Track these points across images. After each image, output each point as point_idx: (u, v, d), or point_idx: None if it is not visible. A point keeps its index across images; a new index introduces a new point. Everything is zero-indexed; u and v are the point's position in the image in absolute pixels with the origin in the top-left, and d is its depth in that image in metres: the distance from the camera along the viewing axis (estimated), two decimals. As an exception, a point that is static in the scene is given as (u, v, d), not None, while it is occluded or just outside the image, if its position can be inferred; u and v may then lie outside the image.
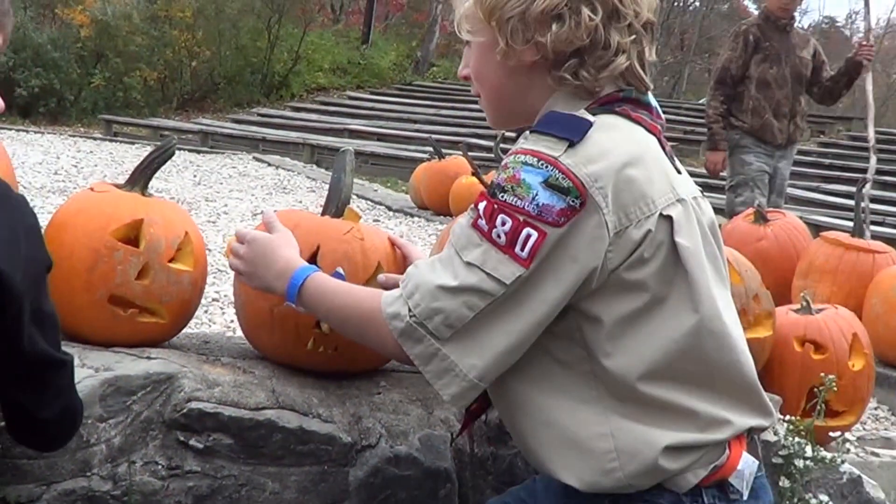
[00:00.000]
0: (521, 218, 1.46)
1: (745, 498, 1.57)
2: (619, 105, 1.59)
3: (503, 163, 1.52)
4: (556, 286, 1.48)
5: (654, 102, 1.65)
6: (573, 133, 1.49)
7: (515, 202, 1.47)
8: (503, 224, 1.47)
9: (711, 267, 1.58)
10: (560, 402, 1.55)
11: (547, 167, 1.46)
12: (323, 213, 2.18)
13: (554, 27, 1.54)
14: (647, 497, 1.53)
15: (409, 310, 1.53)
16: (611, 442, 1.52)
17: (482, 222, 1.50)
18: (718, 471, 1.55)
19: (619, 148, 1.50)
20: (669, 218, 1.51)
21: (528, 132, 1.54)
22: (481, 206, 1.52)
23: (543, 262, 1.47)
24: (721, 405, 1.56)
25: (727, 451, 1.56)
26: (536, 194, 1.45)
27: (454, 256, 1.52)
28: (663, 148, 1.61)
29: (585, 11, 1.53)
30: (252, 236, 1.86)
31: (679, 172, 1.62)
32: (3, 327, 1.36)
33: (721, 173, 6.98)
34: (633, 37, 1.58)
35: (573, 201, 1.45)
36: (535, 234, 1.46)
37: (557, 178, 1.45)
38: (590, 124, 1.50)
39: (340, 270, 1.93)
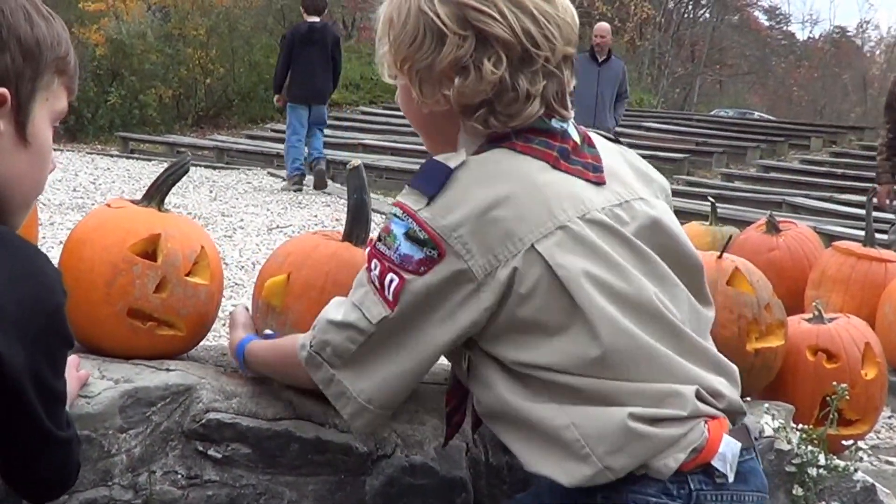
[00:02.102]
0: (387, 264, 1.59)
1: (731, 481, 1.57)
2: (509, 139, 1.62)
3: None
4: (432, 326, 1.59)
5: (556, 126, 1.65)
6: (431, 186, 1.57)
7: (385, 250, 1.59)
8: (375, 268, 1.61)
9: (644, 270, 1.60)
10: (525, 404, 1.59)
11: (408, 220, 1.57)
12: (347, 237, 2.13)
13: (457, 80, 1.59)
14: (634, 489, 1.54)
15: (311, 340, 1.68)
16: (574, 431, 1.55)
17: (367, 265, 1.63)
18: (699, 454, 1.55)
19: (483, 190, 1.55)
20: (539, 253, 1.54)
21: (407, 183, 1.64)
22: (367, 250, 1.68)
23: (411, 305, 1.57)
24: (661, 383, 1.58)
25: (705, 433, 1.56)
26: (399, 245, 1.57)
27: (349, 297, 1.66)
28: (563, 170, 1.61)
29: (487, 65, 1.57)
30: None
31: (600, 184, 1.63)
32: (1, 401, 1.35)
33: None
34: (545, 81, 1.61)
35: (430, 252, 1.54)
36: (396, 280, 1.57)
37: (416, 231, 1.56)
38: (447, 174, 1.57)
39: (269, 332, 2.03)
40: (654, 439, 1.53)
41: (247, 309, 2.20)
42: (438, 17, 1.58)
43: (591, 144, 1.70)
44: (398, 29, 1.63)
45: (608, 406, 1.55)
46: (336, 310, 1.66)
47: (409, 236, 1.56)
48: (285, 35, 11.25)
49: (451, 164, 1.58)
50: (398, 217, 1.59)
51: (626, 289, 1.57)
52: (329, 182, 11.51)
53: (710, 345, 1.71)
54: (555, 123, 1.65)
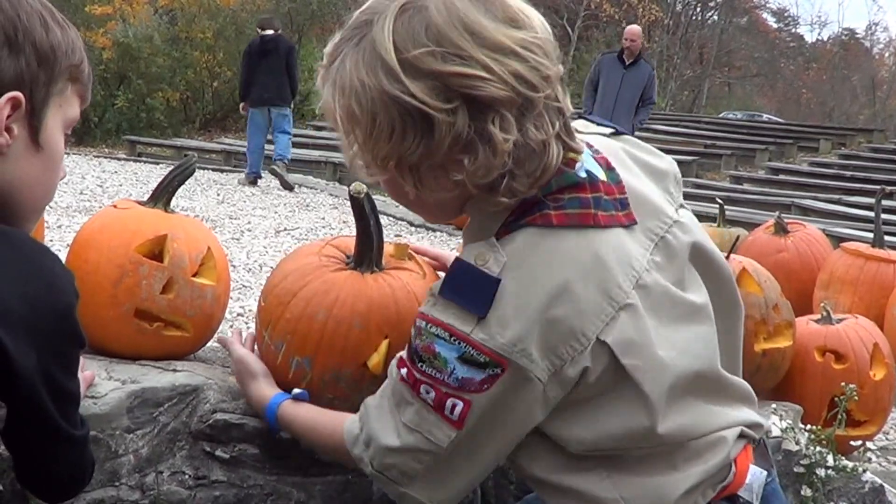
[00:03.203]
0: (444, 389, 1.41)
1: None
2: (540, 209, 1.41)
3: (417, 323, 1.44)
4: (501, 431, 1.45)
5: (581, 175, 1.44)
6: (479, 304, 1.37)
7: (435, 374, 1.41)
8: (427, 393, 1.43)
9: (692, 320, 1.51)
10: (570, 476, 1.51)
11: (460, 343, 1.38)
12: (359, 262, 1.96)
13: (466, 161, 1.34)
14: None
15: (369, 460, 1.53)
16: None
17: (412, 387, 1.45)
18: (726, 489, 1.52)
19: (536, 293, 1.37)
20: (606, 343, 1.39)
21: (436, 291, 1.43)
22: (403, 371, 1.47)
23: (479, 420, 1.42)
24: (709, 435, 1.52)
25: (733, 468, 1.52)
26: (454, 369, 1.39)
27: (394, 411, 1.49)
28: (604, 225, 1.43)
29: (496, 132, 1.32)
30: (234, 357, 1.97)
31: (632, 224, 1.47)
32: (14, 401, 1.36)
33: None
34: (555, 122, 1.39)
35: (492, 371, 1.37)
36: (460, 404, 1.41)
37: (472, 355, 1.37)
38: (496, 286, 1.37)
39: (298, 391, 1.84)
40: (694, 499, 1.50)
41: (239, 332, 2.06)
42: (414, 97, 1.31)
43: (609, 167, 1.51)
44: (366, 123, 1.36)
45: (659, 474, 1.48)
46: (386, 431, 1.49)
47: (466, 360, 1.38)
48: (243, 52, 12.65)
49: (495, 272, 1.38)
50: (443, 339, 1.39)
51: (682, 362, 1.47)
52: (337, 184, 11.70)
53: (739, 366, 1.67)
54: (579, 171, 1.45)
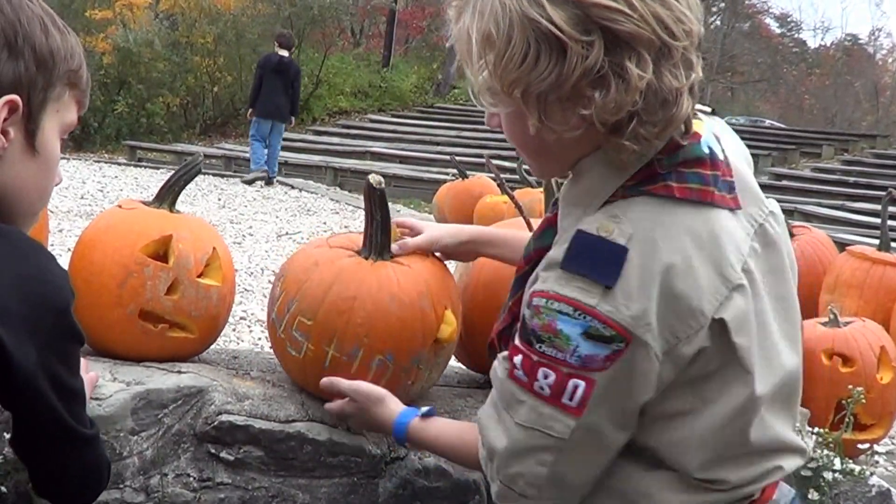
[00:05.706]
0: (565, 370, 1.35)
1: None
2: (664, 179, 1.39)
3: (534, 302, 1.38)
4: (618, 414, 1.39)
5: (705, 150, 1.42)
6: (607, 275, 1.33)
7: (556, 354, 1.35)
8: (546, 377, 1.37)
9: (782, 318, 1.48)
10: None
11: (585, 317, 1.33)
12: (381, 252, 2.04)
13: (596, 95, 1.31)
14: None
15: (496, 475, 1.47)
16: None
17: (520, 373, 1.40)
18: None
19: (659, 265, 1.33)
20: (722, 320, 1.36)
21: (557, 265, 1.37)
22: (517, 359, 1.41)
23: (599, 400, 1.36)
24: (766, 460, 1.49)
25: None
26: (577, 346, 1.34)
27: (504, 415, 1.44)
28: (719, 205, 1.41)
29: (632, 68, 1.29)
30: (349, 391, 1.90)
31: (738, 208, 1.44)
32: (19, 401, 1.35)
33: None
34: (692, 74, 1.37)
35: (617, 346, 1.33)
36: (582, 384, 1.35)
37: (598, 329, 1.32)
38: (624, 255, 1.33)
39: (426, 408, 1.81)
40: None
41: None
42: (553, 23, 1.28)
43: (721, 145, 1.49)
44: (501, 46, 1.33)
45: (707, 492, 1.45)
46: (501, 436, 1.45)
47: (590, 335, 1.33)
48: (259, 62, 13.76)
49: (622, 241, 1.34)
50: (567, 315, 1.34)
51: (784, 357, 1.47)
52: (337, 188, 11.79)
53: None
54: (703, 146, 1.43)
